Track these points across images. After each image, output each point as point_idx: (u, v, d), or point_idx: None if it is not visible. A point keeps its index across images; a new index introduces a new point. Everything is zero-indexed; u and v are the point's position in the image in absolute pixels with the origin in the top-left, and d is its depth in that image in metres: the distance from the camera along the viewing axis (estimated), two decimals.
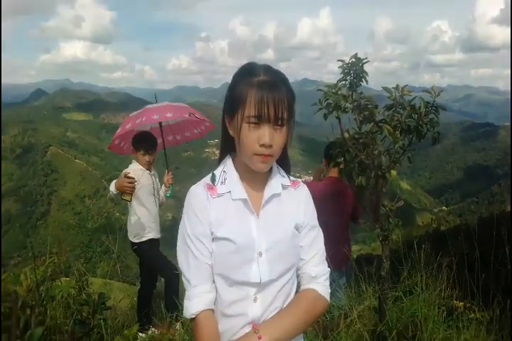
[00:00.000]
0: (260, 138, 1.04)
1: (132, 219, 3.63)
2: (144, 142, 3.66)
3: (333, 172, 3.46)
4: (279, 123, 1.05)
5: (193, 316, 1.08)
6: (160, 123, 3.74)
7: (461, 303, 3.13)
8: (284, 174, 1.22)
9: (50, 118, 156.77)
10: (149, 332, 3.13)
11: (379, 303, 2.62)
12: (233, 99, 1.08)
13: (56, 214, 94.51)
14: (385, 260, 2.56)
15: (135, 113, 3.72)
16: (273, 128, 1.05)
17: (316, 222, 1.24)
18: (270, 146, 1.05)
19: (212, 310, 1.11)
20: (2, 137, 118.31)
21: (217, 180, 1.15)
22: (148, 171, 3.69)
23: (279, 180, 1.18)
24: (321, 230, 1.25)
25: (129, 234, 3.67)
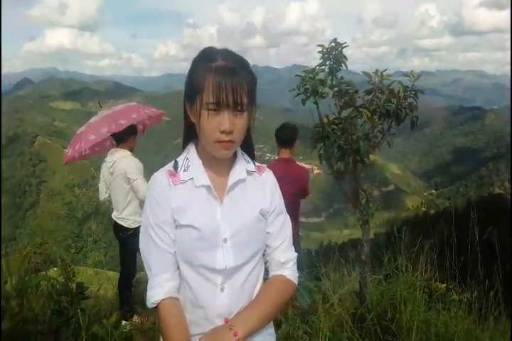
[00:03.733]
0: (220, 124, 1.02)
1: (132, 205, 3.58)
2: (132, 126, 3.58)
3: (284, 154, 3.52)
4: (239, 108, 1.03)
5: (154, 305, 1.08)
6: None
7: (444, 285, 3.18)
8: (249, 159, 1.21)
9: (37, 108, 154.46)
10: (133, 320, 3.15)
11: (360, 287, 2.65)
12: (192, 86, 1.05)
13: (45, 205, 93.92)
14: (365, 244, 2.58)
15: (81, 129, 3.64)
16: (233, 114, 1.03)
17: (283, 208, 1.23)
18: (231, 132, 1.03)
19: (176, 298, 1.10)
20: None
21: (179, 167, 1.13)
22: None
23: (243, 166, 1.17)
24: (288, 215, 1.24)
25: (124, 221, 3.59)
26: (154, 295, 1.08)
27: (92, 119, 3.66)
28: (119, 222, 3.58)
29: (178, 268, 1.12)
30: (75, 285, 2.16)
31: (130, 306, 3.47)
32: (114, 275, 4.64)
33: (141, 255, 1.13)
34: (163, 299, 1.07)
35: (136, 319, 3.17)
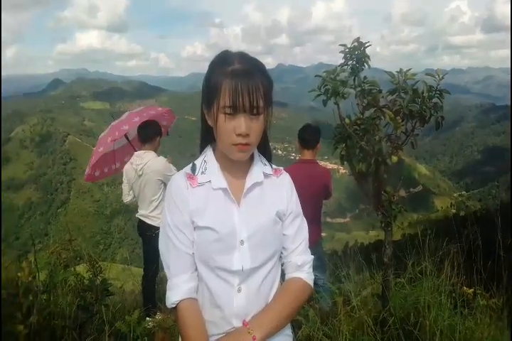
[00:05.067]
0: (236, 127, 1.03)
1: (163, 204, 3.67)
2: (158, 126, 3.78)
3: (306, 155, 3.51)
4: (255, 112, 1.03)
5: (174, 305, 1.09)
6: (127, 138, 4.01)
7: (471, 290, 3.09)
8: (266, 162, 1.22)
9: (68, 108, 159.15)
10: (156, 317, 3.22)
11: (382, 290, 2.61)
12: (208, 90, 1.06)
13: (75, 202, 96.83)
14: (387, 246, 2.54)
15: (103, 135, 4.10)
16: (249, 118, 1.04)
17: (300, 210, 1.24)
18: (247, 135, 1.04)
19: (194, 299, 1.12)
20: (21, 127, 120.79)
21: (197, 169, 1.15)
22: None
23: (260, 169, 1.18)
24: (304, 218, 1.25)
25: (153, 219, 3.63)
26: (173, 295, 1.10)
27: (115, 122, 4.08)
28: (146, 220, 3.63)
29: (197, 269, 1.14)
30: (100, 281, 2.22)
31: (153, 303, 3.53)
32: (140, 272, 4.74)
33: (161, 256, 1.16)
34: (182, 300, 1.09)
35: (159, 316, 3.23)
